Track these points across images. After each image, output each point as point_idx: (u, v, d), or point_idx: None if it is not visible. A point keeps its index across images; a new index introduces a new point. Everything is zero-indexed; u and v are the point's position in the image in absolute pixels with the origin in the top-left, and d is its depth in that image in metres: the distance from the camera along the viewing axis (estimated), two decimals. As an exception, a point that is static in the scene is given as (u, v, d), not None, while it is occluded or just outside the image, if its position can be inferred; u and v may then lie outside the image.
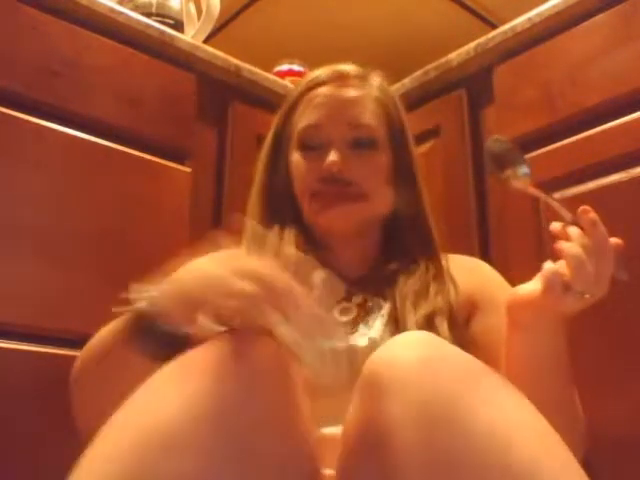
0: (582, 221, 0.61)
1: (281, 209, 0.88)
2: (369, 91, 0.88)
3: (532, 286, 0.64)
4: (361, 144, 0.85)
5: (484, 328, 0.80)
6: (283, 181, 0.88)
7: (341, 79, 0.87)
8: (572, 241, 0.61)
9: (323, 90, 0.87)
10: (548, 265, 0.62)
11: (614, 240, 0.61)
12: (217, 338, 0.56)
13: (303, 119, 0.87)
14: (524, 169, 0.69)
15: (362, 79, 0.88)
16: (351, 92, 0.86)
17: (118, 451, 0.48)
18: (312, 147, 0.86)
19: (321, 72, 0.89)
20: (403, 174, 0.88)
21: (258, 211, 0.88)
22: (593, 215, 0.60)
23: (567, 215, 0.64)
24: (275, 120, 0.92)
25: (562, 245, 0.61)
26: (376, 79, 0.90)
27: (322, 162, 0.83)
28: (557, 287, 0.60)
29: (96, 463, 0.48)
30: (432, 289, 0.82)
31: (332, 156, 0.83)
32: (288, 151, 0.88)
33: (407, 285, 0.83)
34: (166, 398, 0.50)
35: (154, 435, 0.47)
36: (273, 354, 0.55)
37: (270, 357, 0.55)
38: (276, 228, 0.84)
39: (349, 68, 0.89)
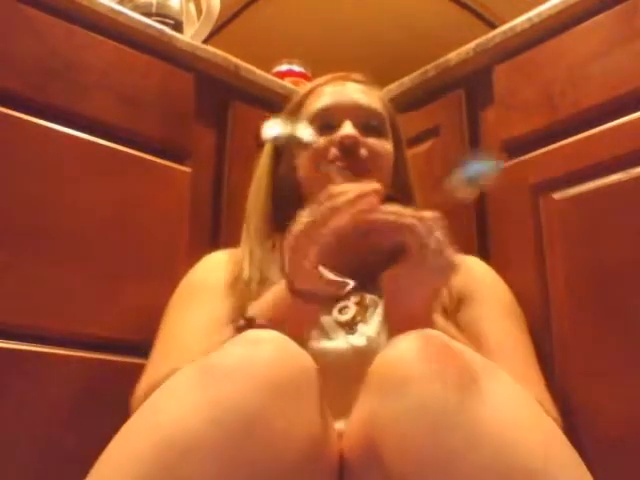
0: None
1: (286, 209, 0.88)
2: (374, 91, 0.91)
3: None
4: (373, 128, 0.84)
5: (467, 321, 0.81)
6: (289, 183, 0.88)
7: (346, 78, 0.90)
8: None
9: (330, 86, 0.89)
10: None
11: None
12: (237, 342, 0.56)
13: (313, 108, 0.87)
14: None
15: (366, 82, 0.92)
16: (358, 85, 0.89)
17: (137, 453, 0.47)
18: (323, 128, 0.83)
19: (325, 76, 0.92)
20: (399, 171, 0.89)
21: (262, 212, 0.88)
22: None
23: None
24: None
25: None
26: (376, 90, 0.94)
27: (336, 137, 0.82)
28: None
29: (114, 464, 0.48)
30: None
31: (347, 128, 0.81)
32: (294, 153, 0.88)
33: None
34: (187, 403, 0.50)
35: (175, 439, 0.47)
36: (294, 358, 0.55)
37: (291, 362, 0.55)
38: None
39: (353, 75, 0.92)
